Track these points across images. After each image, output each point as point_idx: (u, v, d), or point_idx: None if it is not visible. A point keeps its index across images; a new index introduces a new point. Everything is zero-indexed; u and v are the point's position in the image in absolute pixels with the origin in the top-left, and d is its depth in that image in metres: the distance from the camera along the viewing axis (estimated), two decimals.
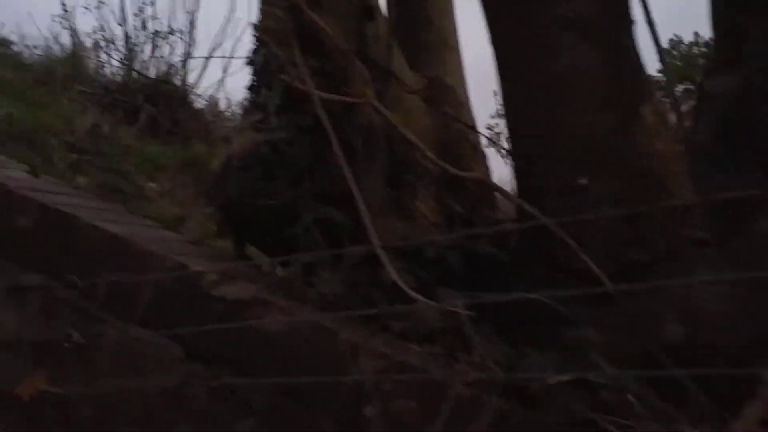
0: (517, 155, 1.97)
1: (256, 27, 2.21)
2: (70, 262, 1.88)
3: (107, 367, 1.78)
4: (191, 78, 5.96)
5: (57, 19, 6.34)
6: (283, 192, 1.96)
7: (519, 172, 1.96)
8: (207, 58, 6.07)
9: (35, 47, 6.47)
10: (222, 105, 6.08)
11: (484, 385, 1.54)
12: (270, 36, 2.00)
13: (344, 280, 1.79)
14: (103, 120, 4.73)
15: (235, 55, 6.06)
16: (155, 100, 5.50)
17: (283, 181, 1.99)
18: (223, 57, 6.07)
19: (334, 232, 1.91)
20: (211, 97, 6.02)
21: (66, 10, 6.22)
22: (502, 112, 2.01)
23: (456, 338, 1.72)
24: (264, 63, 2.12)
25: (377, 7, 2.21)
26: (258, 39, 2.18)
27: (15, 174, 2.19)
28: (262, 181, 2.01)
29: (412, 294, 1.57)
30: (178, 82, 5.96)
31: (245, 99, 2.27)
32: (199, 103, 6.01)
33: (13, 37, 6.49)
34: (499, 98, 1.98)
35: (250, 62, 2.20)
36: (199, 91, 6.03)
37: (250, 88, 2.19)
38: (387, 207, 2.00)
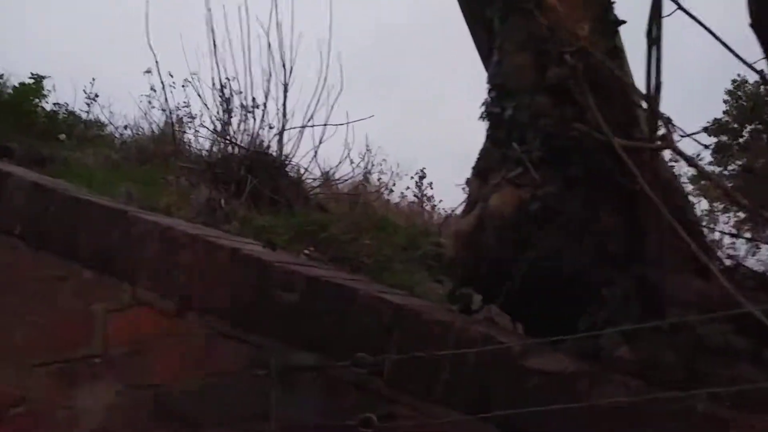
0: None
1: (493, 79, 2.10)
2: (347, 338, 1.72)
3: None
4: (287, 147, 5.91)
5: (145, 97, 6.33)
6: (566, 252, 1.80)
7: None
8: (301, 128, 6.03)
9: (126, 126, 6.49)
10: (318, 171, 6.01)
11: None
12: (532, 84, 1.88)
13: (670, 346, 1.60)
14: (216, 194, 4.67)
15: (329, 123, 6.01)
16: (255, 171, 5.45)
17: (558, 239, 1.83)
18: (317, 125, 6.02)
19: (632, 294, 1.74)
20: (308, 164, 5.96)
21: (154, 89, 6.22)
22: None
23: None
24: (512, 116, 2.00)
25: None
26: (499, 91, 2.06)
27: (253, 247, 2.05)
28: (534, 241, 1.85)
29: None
30: (274, 152, 5.92)
31: (481, 156, 2.14)
32: (297, 171, 5.95)
33: (104, 118, 6.52)
34: None
35: (491, 116, 2.08)
36: (295, 159, 5.98)
37: (494, 143, 2.06)
38: (680, 262, 1.83)
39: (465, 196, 2.23)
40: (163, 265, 1.95)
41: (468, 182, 2.22)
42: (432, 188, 7.77)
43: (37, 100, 5.10)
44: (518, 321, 2.06)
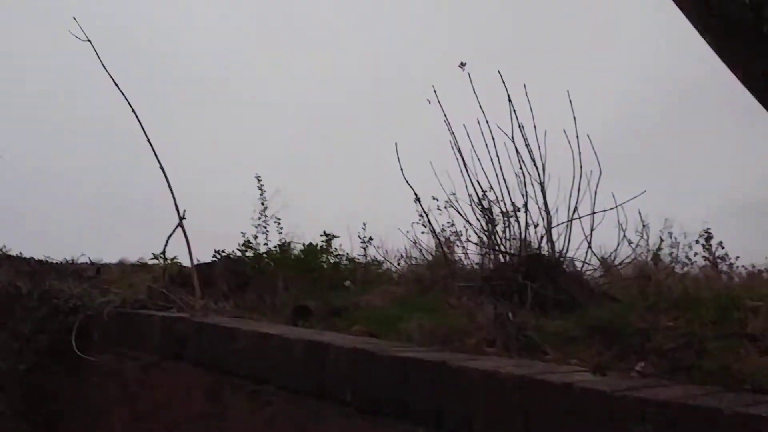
0: None
1: None
2: None
3: None
4: (558, 243, 5.75)
5: (417, 224, 6.58)
6: None
7: None
8: (568, 221, 5.86)
9: (400, 258, 6.81)
10: (596, 260, 5.74)
11: None
12: None
13: None
14: (501, 308, 4.63)
15: (596, 210, 5.78)
16: (531, 275, 5.34)
17: None
18: (584, 216, 5.81)
19: None
20: (584, 255, 5.72)
21: (421, 216, 6.46)
22: None
23: None
24: None
25: None
26: None
27: (583, 377, 1.93)
28: None
29: None
30: (546, 251, 5.78)
31: None
32: (573, 265, 5.74)
33: (379, 257, 6.90)
34: None
35: None
36: (569, 253, 5.78)
37: None
38: None
39: None
40: (497, 413, 1.88)
41: None
42: (722, 247, 7.07)
43: (324, 256, 5.59)
44: None
